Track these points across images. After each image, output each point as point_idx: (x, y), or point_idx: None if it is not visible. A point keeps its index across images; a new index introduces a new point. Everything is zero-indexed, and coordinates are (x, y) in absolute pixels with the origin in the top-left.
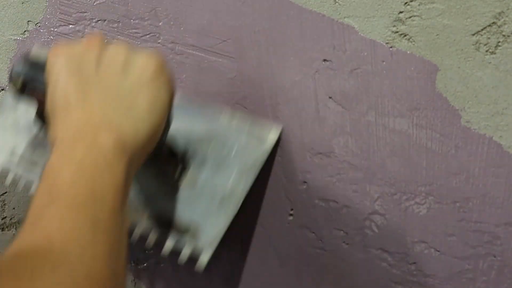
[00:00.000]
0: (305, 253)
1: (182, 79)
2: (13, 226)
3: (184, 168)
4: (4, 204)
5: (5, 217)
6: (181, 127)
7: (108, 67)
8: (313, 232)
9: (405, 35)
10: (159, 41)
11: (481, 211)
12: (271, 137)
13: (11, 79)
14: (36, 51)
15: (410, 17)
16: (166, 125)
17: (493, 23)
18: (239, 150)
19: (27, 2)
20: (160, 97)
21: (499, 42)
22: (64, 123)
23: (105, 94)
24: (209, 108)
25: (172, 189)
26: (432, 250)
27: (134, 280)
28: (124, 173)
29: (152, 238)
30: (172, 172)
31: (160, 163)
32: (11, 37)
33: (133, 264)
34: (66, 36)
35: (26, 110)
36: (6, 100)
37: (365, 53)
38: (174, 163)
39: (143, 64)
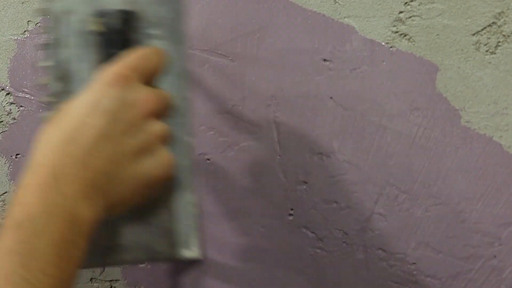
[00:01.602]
0: (305, 253)
1: None
2: None
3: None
4: (4, 204)
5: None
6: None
7: (135, 143)
8: (313, 232)
9: (405, 35)
10: None
11: (481, 211)
12: (187, 252)
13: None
14: None
15: (410, 17)
16: None
17: (493, 23)
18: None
19: (27, 2)
20: (144, 199)
21: (499, 42)
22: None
23: (106, 162)
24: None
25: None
26: (432, 250)
27: (133, 280)
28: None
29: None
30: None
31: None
32: (11, 37)
33: (132, 264)
34: None
35: None
36: None
37: (365, 53)
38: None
39: (163, 165)
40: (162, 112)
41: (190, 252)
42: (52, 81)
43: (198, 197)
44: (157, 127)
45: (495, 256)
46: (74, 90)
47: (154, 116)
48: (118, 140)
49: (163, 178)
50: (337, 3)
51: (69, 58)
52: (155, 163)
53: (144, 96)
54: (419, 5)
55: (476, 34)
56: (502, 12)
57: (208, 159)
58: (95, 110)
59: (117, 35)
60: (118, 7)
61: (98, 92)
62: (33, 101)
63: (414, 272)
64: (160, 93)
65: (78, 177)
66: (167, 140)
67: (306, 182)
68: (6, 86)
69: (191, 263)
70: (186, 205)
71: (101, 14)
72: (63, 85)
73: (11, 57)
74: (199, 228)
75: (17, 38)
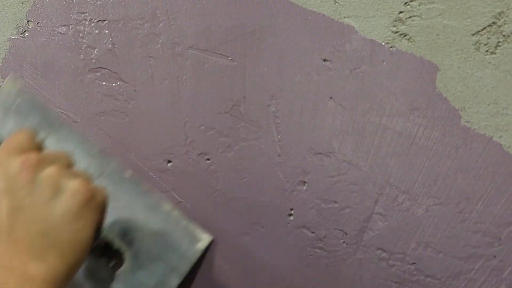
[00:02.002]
0: (305, 253)
1: (182, 80)
2: None
3: (118, 263)
4: None
5: None
6: (122, 212)
7: (40, 194)
8: (313, 232)
9: (405, 35)
10: (159, 41)
11: (481, 211)
12: (202, 244)
13: None
14: None
15: (410, 17)
16: (97, 235)
17: (493, 23)
18: (173, 248)
19: (27, 2)
20: (87, 229)
21: (499, 42)
22: None
23: (34, 224)
24: (152, 196)
25: (104, 282)
26: (432, 250)
27: None
28: None
29: None
30: (105, 264)
31: (93, 256)
32: (11, 37)
33: None
34: (66, 36)
35: None
36: None
37: (365, 53)
38: (109, 255)
39: (73, 193)
40: (49, 159)
41: (203, 241)
42: None
43: (167, 198)
44: (49, 170)
45: (495, 256)
46: None
47: (42, 165)
48: (28, 204)
49: (86, 200)
50: (337, 3)
51: None
52: (68, 195)
53: (24, 156)
54: (419, 5)
55: (476, 34)
56: (502, 12)
57: (208, 159)
58: None
59: None
60: None
61: None
62: None
63: (414, 272)
64: (45, 152)
65: (11, 247)
66: (68, 174)
67: (306, 182)
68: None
69: (208, 247)
70: (168, 214)
71: None
72: None
73: (11, 56)
74: (190, 219)
75: (17, 38)
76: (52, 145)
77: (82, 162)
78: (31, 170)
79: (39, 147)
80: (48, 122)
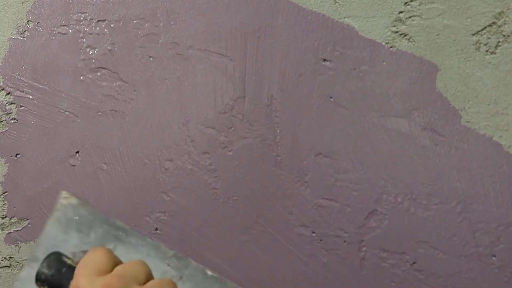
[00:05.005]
0: (305, 252)
1: (182, 80)
2: (13, 226)
3: None
4: (4, 204)
5: (5, 217)
6: None
7: None
8: (313, 232)
9: (405, 35)
10: (160, 41)
11: (481, 211)
12: None
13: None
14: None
15: (410, 17)
16: None
17: (493, 23)
18: None
19: (27, 2)
20: None
21: (499, 42)
22: None
23: None
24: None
25: None
26: (433, 250)
27: None
28: None
29: None
30: None
31: None
32: (11, 37)
33: None
34: (66, 36)
35: None
36: None
37: (365, 53)
38: None
39: None
40: (130, 278)
41: None
42: None
43: None
44: None
45: (495, 256)
46: None
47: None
48: None
49: None
50: (337, 3)
51: None
52: None
53: (106, 281)
54: (419, 5)
55: (476, 34)
56: (502, 12)
57: (208, 159)
58: None
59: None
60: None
61: None
62: (33, 101)
63: (414, 272)
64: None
65: None
66: None
67: (306, 182)
68: (6, 85)
69: None
70: None
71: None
72: None
73: (11, 56)
74: None
75: (18, 38)
76: (122, 256)
77: (158, 269)
78: None
79: (116, 263)
80: (112, 234)
